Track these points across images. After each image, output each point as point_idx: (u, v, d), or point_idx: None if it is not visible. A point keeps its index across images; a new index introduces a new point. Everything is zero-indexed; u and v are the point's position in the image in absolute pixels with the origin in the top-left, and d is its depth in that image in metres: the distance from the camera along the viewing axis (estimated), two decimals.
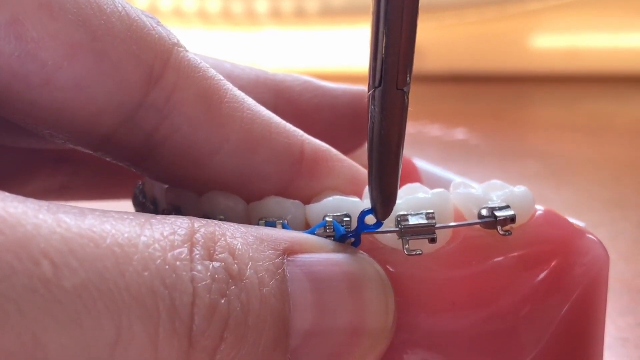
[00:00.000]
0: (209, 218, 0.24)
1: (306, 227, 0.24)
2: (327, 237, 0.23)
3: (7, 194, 0.18)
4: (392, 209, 0.22)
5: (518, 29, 1.11)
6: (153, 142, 0.23)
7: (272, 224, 0.23)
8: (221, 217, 0.24)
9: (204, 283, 0.18)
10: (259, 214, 0.24)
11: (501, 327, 0.23)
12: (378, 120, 0.20)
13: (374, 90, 0.20)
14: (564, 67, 1.10)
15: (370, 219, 0.23)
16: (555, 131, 0.89)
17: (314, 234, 0.23)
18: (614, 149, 0.79)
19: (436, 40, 1.08)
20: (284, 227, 0.23)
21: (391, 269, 0.23)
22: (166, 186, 0.26)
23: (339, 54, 1.13)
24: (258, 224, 0.23)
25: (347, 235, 0.23)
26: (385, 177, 0.21)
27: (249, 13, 1.13)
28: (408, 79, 0.20)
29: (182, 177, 0.25)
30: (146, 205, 0.27)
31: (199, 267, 0.19)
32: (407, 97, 0.20)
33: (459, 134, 0.87)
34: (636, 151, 0.78)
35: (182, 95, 0.23)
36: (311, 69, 0.98)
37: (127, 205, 0.31)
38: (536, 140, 0.87)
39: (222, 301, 0.19)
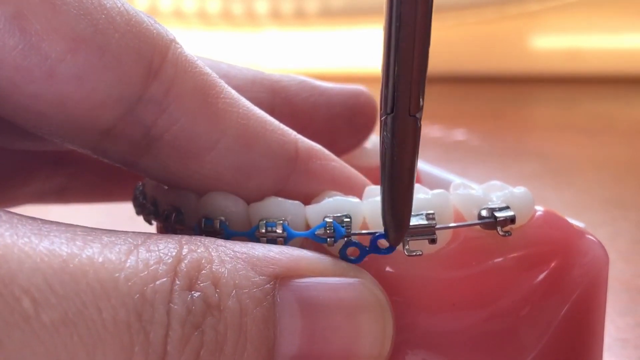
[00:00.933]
0: (209, 219, 0.24)
1: (306, 227, 0.24)
2: (327, 237, 0.23)
3: (0, 214, 0.18)
4: (404, 234, 0.22)
5: (518, 29, 1.11)
6: (151, 136, 0.24)
7: (273, 225, 0.23)
8: (221, 218, 0.24)
9: (177, 316, 0.19)
10: (259, 215, 0.24)
11: (501, 327, 0.23)
12: (390, 146, 0.20)
13: (386, 117, 0.20)
14: (563, 67, 1.10)
15: (382, 243, 0.23)
16: (555, 132, 0.89)
17: (314, 234, 0.23)
18: (613, 150, 0.79)
19: (436, 41, 1.08)
20: (284, 228, 0.23)
21: (391, 270, 0.23)
22: (166, 187, 0.26)
23: (339, 55, 1.13)
24: (259, 225, 0.23)
25: (359, 259, 0.23)
26: (398, 203, 0.21)
27: (249, 14, 1.13)
28: (421, 104, 0.20)
29: (180, 175, 0.25)
30: (146, 206, 0.28)
31: (176, 300, 0.19)
32: (420, 123, 0.20)
33: (459, 134, 0.87)
34: (636, 152, 0.78)
35: (180, 88, 0.23)
36: (311, 70, 0.98)
37: (128, 206, 0.31)
38: (536, 140, 0.87)
39: (196, 333, 0.19)
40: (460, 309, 0.23)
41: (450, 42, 1.10)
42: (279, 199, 0.24)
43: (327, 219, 0.23)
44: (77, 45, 0.22)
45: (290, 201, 0.24)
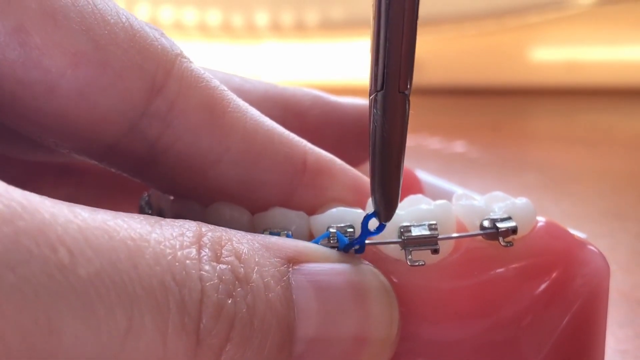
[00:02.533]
0: None
1: (310, 238, 0.24)
2: (331, 247, 0.23)
3: (22, 191, 0.18)
4: (394, 211, 0.22)
5: (517, 42, 1.12)
6: (156, 150, 0.24)
7: (277, 235, 0.23)
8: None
9: (211, 282, 0.19)
10: (263, 225, 0.24)
11: (503, 337, 0.23)
12: (380, 123, 0.21)
13: (376, 94, 0.20)
14: (562, 79, 1.10)
15: (373, 224, 0.23)
16: (554, 143, 0.89)
17: (318, 244, 0.23)
18: (612, 161, 0.79)
19: (435, 53, 1.09)
20: (288, 237, 0.23)
21: (394, 280, 0.23)
22: (172, 197, 0.26)
23: (339, 66, 1.13)
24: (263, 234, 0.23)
25: (353, 243, 0.23)
26: (388, 180, 0.22)
27: (249, 26, 1.13)
28: (409, 82, 0.20)
29: (185, 186, 0.25)
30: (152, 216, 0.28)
31: (207, 267, 0.19)
32: (409, 101, 0.21)
33: (459, 146, 0.87)
34: (635, 163, 0.79)
35: (185, 104, 0.23)
36: (311, 82, 0.99)
37: None
38: (535, 152, 0.87)
39: (229, 301, 0.19)
40: (462, 318, 0.23)
41: (450, 54, 1.11)
42: (283, 209, 0.24)
43: (331, 229, 0.23)
44: (77, 60, 0.22)
45: (294, 211, 0.24)
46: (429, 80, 1.07)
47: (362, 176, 0.27)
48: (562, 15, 1.07)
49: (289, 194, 0.25)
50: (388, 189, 0.22)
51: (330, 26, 1.11)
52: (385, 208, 0.22)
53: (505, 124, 1.00)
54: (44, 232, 0.17)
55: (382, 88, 0.20)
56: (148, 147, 0.24)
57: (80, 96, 0.22)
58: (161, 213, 0.27)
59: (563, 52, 1.12)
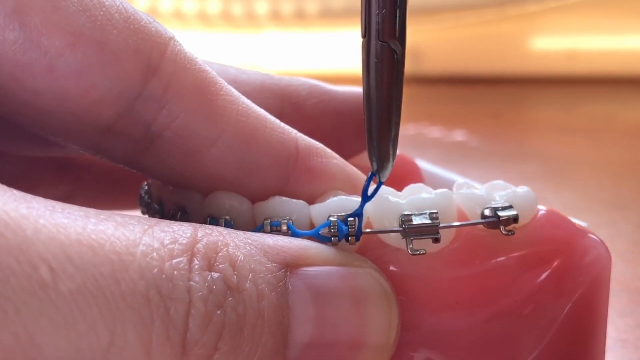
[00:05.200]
0: (214, 218, 0.24)
1: (310, 227, 0.24)
2: (332, 236, 0.23)
3: (14, 192, 0.18)
4: (388, 169, 0.22)
5: (517, 31, 1.12)
6: (151, 133, 0.24)
7: (277, 224, 0.23)
8: (226, 217, 0.24)
9: (200, 294, 0.19)
10: (264, 214, 0.24)
11: (504, 326, 0.23)
12: (365, 72, 0.21)
13: (362, 41, 0.21)
14: (563, 69, 1.10)
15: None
16: (555, 133, 0.89)
17: (318, 233, 0.23)
18: (613, 151, 0.79)
19: (436, 42, 1.08)
20: (288, 227, 0.23)
21: (395, 269, 0.23)
22: (171, 188, 0.26)
23: (338, 55, 1.13)
24: (263, 224, 0.23)
25: (354, 214, 0.23)
26: (378, 135, 0.22)
27: (249, 15, 1.13)
28: (397, 33, 0.21)
29: (182, 172, 0.25)
30: (152, 205, 0.28)
31: (197, 278, 0.19)
32: (398, 53, 0.21)
33: (459, 135, 0.87)
34: (635, 152, 0.79)
35: (180, 85, 0.24)
36: (311, 71, 0.99)
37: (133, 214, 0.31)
38: (535, 141, 0.87)
39: (218, 312, 0.19)
40: (463, 307, 0.23)
41: (450, 44, 1.11)
42: (284, 198, 0.24)
43: (332, 218, 0.23)
44: (75, 40, 0.22)
45: (294, 200, 0.24)
46: (429, 69, 1.07)
47: (350, 165, 0.27)
48: (562, 3, 1.07)
49: (284, 179, 0.25)
50: (380, 145, 0.22)
51: (330, 15, 1.11)
52: (378, 164, 0.22)
53: (506, 112, 1.00)
54: (24, 250, 0.17)
55: (365, 36, 0.21)
56: (144, 130, 0.24)
57: (78, 76, 0.22)
58: (161, 202, 0.27)
59: (563, 41, 1.12)
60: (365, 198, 0.23)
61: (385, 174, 0.22)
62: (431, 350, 0.23)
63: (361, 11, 0.21)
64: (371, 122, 0.21)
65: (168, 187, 0.27)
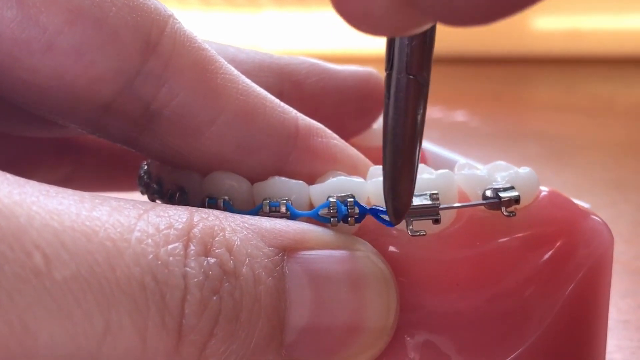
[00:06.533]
0: (212, 198, 0.24)
1: (310, 207, 0.24)
2: (331, 217, 0.23)
3: (8, 176, 0.18)
4: (403, 217, 0.22)
5: None
6: (151, 111, 0.24)
7: (276, 204, 0.23)
8: (225, 197, 0.24)
9: (196, 280, 0.19)
10: (263, 194, 0.24)
11: (505, 307, 0.23)
12: (393, 107, 0.20)
13: (387, 74, 0.20)
14: (564, 48, 1.10)
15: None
16: (556, 113, 0.89)
17: (317, 214, 0.23)
18: (614, 131, 0.79)
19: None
20: (287, 207, 0.23)
21: (395, 250, 0.23)
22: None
23: (340, 35, 1.12)
24: (262, 204, 0.23)
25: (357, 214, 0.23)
26: (397, 178, 0.21)
27: None
28: (425, 68, 0.20)
29: (181, 151, 0.25)
30: (151, 185, 0.27)
31: (193, 264, 0.19)
32: (424, 88, 0.20)
33: (459, 116, 0.87)
34: (637, 133, 0.78)
35: (179, 62, 0.23)
36: (311, 51, 0.98)
37: (133, 196, 0.31)
38: (536, 122, 0.87)
39: (214, 298, 0.19)
40: (464, 288, 0.23)
41: None
42: (283, 178, 0.24)
43: (331, 199, 0.23)
44: (74, 17, 0.22)
45: (294, 181, 0.24)
46: None
47: (350, 146, 0.27)
48: None
49: (284, 158, 0.25)
50: (398, 191, 0.21)
51: None
52: (395, 214, 0.22)
53: (506, 93, 1.00)
54: (18, 237, 0.17)
55: (390, 68, 0.20)
56: (143, 108, 0.23)
57: (78, 54, 0.22)
58: (160, 182, 0.27)
59: (564, 21, 1.12)
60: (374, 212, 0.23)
61: (399, 221, 0.22)
62: (431, 332, 0.23)
63: (386, 44, 0.20)
64: (392, 163, 0.21)
65: (167, 167, 0.26)
